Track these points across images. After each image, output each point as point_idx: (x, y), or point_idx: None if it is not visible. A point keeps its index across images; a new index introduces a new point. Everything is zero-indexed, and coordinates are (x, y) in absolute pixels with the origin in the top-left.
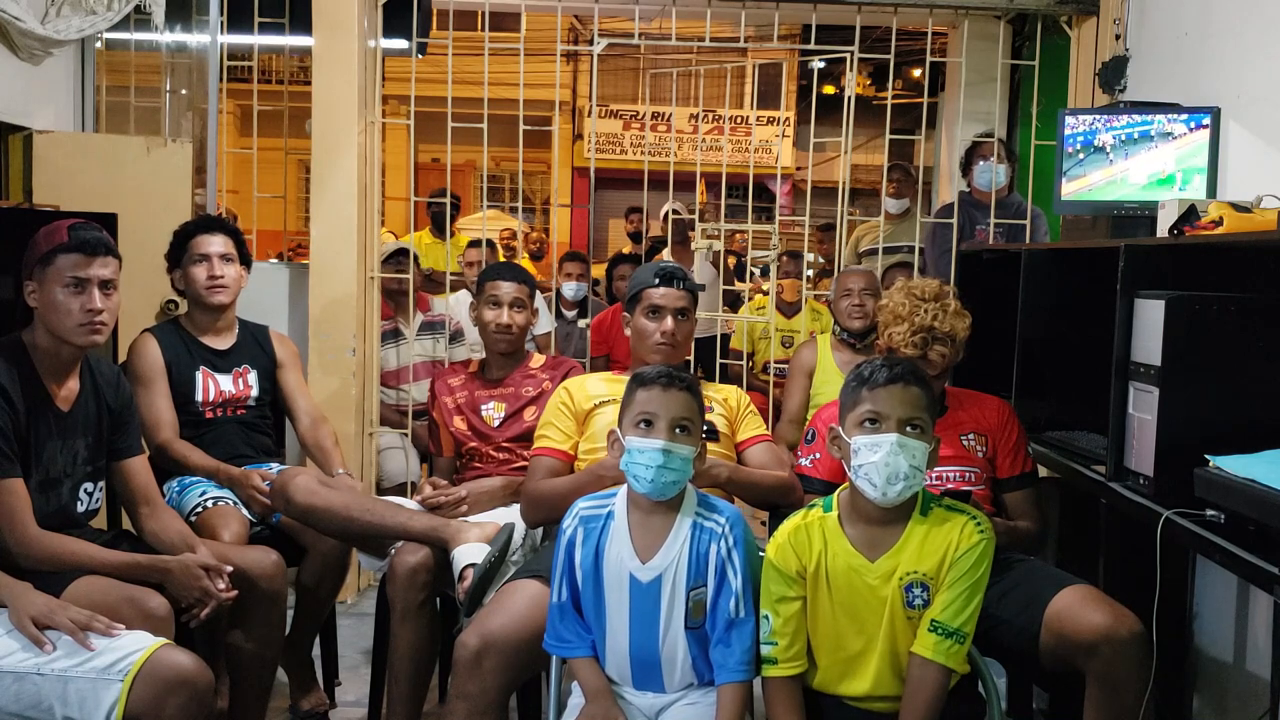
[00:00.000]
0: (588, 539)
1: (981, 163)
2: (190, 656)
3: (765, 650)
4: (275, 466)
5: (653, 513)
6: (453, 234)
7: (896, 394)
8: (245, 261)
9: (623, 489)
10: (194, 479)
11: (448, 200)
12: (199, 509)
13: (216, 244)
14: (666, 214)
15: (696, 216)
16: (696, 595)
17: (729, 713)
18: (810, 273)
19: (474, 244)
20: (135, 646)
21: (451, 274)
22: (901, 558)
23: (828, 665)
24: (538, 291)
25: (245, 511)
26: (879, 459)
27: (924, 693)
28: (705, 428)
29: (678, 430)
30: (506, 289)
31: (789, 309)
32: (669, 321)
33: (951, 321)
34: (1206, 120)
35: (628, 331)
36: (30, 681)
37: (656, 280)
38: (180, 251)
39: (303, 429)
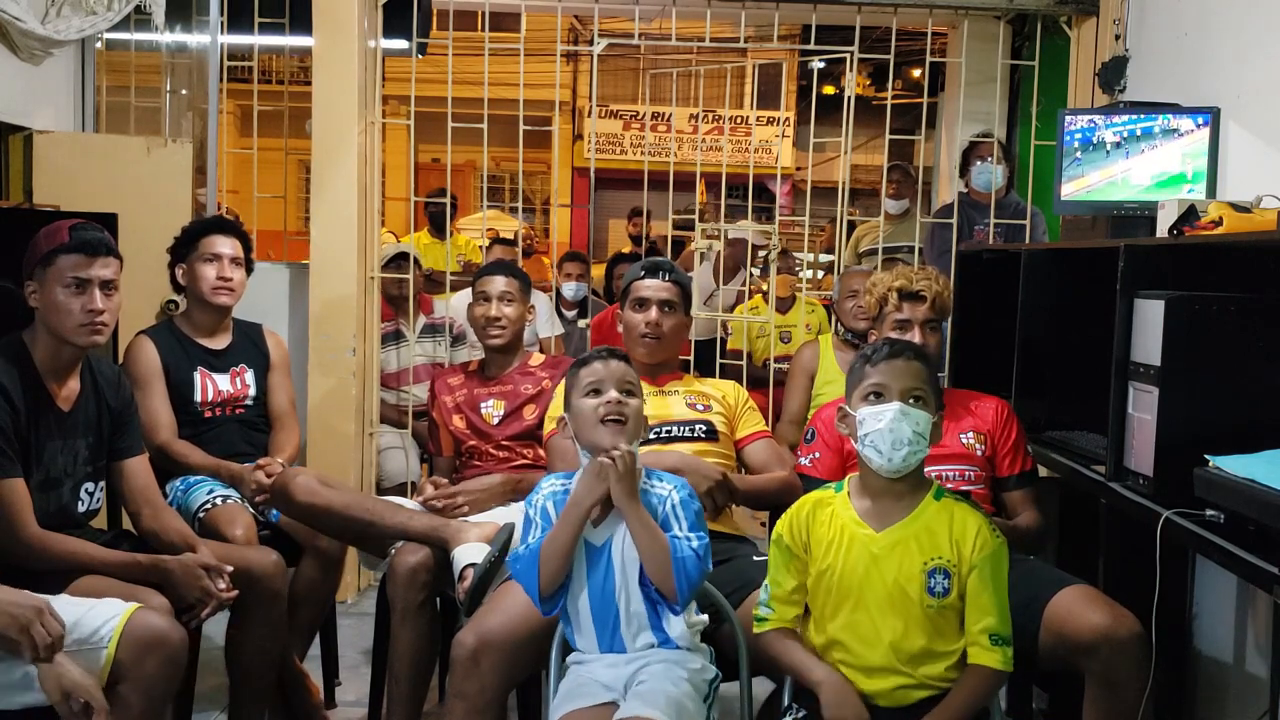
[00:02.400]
0: (558, 509)
1: (979, 163)
2: (165, 618)
3: (759, 611)
4: None
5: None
6: (452, 233)
7: (899, 368)
8: (249, 268)
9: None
10: (199, 477)
11: (447, 200)
12: (207, 506)
13: (228, 246)
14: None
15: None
16: None
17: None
18: (810, 273)
19: (496, 242)
20: (111, 613)
21: (451, 274)
22: (910, 530)
23: (830, 643)
24: (543, 295)
25: (251, 509)
26: (884, 425)
27: (979, 694)
28: (704, 427)
29: (625, 393)
30: (495, 283)
31: (782, 304)
32: (653, 312)
33: (930, 277)
34: (1206, 120)
35: (621, 328)
36: (14, 659)
37: (642, 272)
38: (188, 248)
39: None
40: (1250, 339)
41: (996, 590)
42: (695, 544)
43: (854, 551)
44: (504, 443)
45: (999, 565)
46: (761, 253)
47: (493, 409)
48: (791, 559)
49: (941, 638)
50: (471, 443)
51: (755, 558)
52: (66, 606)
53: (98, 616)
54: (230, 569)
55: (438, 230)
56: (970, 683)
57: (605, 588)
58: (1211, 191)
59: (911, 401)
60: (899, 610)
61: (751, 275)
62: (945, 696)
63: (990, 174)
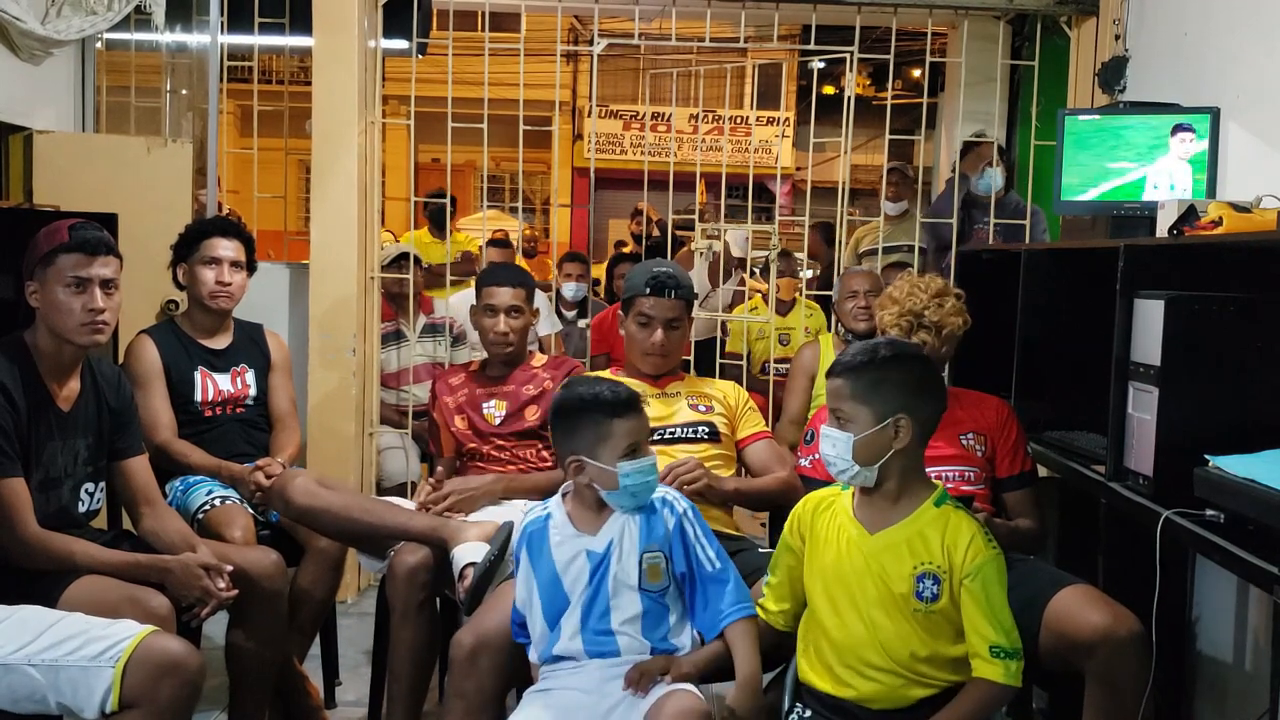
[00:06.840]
0: (537, 553)
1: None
2: (180, 642)
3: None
4: None
5: (594, 503)
6: (451, 231)
7: (827, 388)
8: (251, 268)
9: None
10: (198, 478)
11: (447, 199)
12: (206, 508)
13: (229, 249)
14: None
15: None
16: (650, 559)
17: (744, 650)
18: (809, 273)
19: (492, 243)
20: (124, 634)
21: (450, 263)
22: (904, 534)
23: (825, 642)
24: (541, 293)
25: (250, 510)
26: (821, 450)
27: (978, 706)
28: (706, 428)
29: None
30: (502, 295)
31: (783, 306)
32: (659, 334)
33: (943, 315)
34: (1206, 120)
35: (622, 331)
36: (21, 673)
37: (648, 289)
38: (189, 249)
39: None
40: (1250, 339)
41: (992, 603)
42: (732, 598)
43: (848, 551)
44: (505, 444)
45: (994, 577)
46: (760, 252)
47: (494, 409)
48: (787, 552)
49: (935, 641)
50: (472, 444)
51: (761, 550)
52: (77, 622)
53: (110, 635)
54: (230, 568)
55: (438, 229)
56: (970, 694)
57: (599, 590)
58: (1211, 191)
59: (834, 421)
60: (889, 612)
61: (753, 274)
62: (945, 699)
63: (990, 177)
